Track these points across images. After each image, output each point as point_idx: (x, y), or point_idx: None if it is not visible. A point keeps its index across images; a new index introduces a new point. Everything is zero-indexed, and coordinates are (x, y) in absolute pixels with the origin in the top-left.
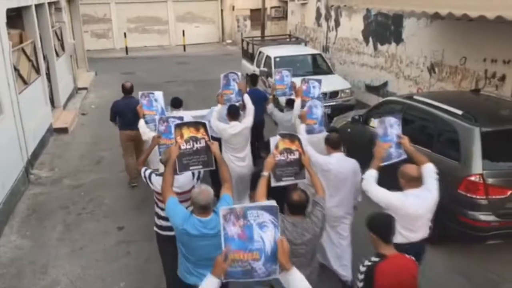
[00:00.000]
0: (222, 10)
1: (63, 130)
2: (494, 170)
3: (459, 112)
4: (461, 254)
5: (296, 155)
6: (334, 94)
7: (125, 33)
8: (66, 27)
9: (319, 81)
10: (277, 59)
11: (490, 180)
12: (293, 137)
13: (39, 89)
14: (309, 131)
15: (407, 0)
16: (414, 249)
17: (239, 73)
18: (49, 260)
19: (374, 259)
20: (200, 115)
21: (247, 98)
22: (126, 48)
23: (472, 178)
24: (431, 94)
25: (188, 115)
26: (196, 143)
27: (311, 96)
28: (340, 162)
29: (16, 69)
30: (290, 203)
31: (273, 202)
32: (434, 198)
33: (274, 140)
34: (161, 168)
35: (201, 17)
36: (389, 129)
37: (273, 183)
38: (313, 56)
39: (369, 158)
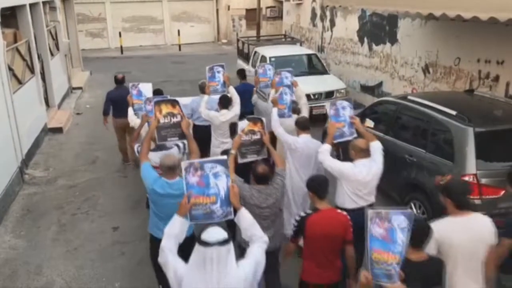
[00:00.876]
0: (217, 10)
1: (58, 130)
2: (487, 170)
3: (453, 112)
4: None
5: (258, 136)
6: (329, 94)
7: (120, 33)
8: (61, 27)
9: (291, 71)
10: (273, 59)
11: (483, 180)
12: (256, 119)
13: (33, 89)
14: (280, 115)
15: (402, 0)
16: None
17: (224, 66)
18: (44, 260)
19: (308, 211)
20: (183, 104)
21: (232, 89)
22: (121, 47)
23: (466, 178)
24: (425, 94)
25: None
26: (173, 118)
27: (284, 85)
28: (307, 143)
29: (10, 69)
30: (255, 174)
31: (224, 157)
32: (379, 168)
33: (242, 124)
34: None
35: (196, 16)
36: (341, 111)
37: (240, 160)
38: (308, 56)
39: None
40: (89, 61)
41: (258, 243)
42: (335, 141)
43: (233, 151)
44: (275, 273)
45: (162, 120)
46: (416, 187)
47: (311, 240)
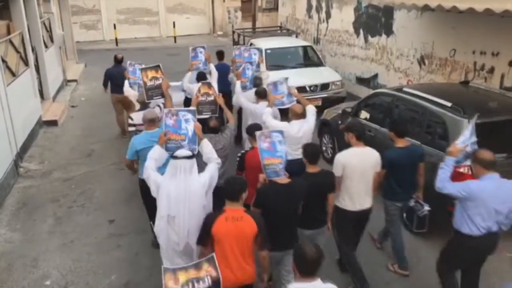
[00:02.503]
0: (213, 1)
1: (53, 123)
2: None
3: (448, 104)
4: None
5: (212, 97)
6: (325, 86)
7: (114, 25)
8: (55, 18)
9: (260, 49)
10: (268, 51)
11: None
12: (210, 84)
13: (27, 81)
14: (243, 87)
15: None
16: (297, 164)
17: (205, 46)
18: (40, 253)
19: (247, 149)
20: (175, 85)
21: (212, 66)
22: (116, 39)
23: (461, 170)
24: (420, 86)
25: None
26: (157, 81)
27: (251, 61)
28: (263, 108)
29: (3, 61)
30: (208, 126)
31: (193, 108)
32: (309, 126)
33: (195, 86)
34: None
35: (191, 8)
36: (279, 86)
37: (197, 115)
38: (304, 48)
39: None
40: (83, 54)
41: (213, 163)
42: (276, 107)
43: (192, 108)
44: (222, 206)
45: (149, 83)
46: None
47: (250, 169)
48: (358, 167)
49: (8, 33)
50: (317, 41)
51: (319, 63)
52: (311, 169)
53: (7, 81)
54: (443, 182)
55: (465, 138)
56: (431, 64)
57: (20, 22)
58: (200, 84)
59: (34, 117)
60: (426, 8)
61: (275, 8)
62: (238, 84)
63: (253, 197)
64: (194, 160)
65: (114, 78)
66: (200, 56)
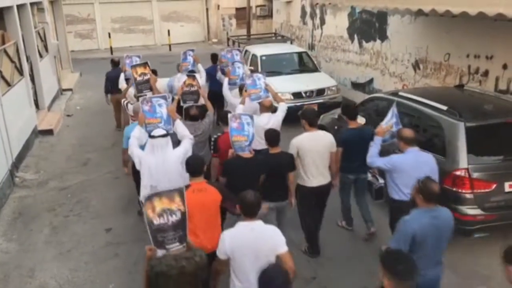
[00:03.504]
0: (207, 9)
1: (48, 132)
2: (479, 164)
3: (444, 107)
4: (448, 248)
5: (195, 88)
6: (320, 92)
7: (109, 33)
8: (49, 28)
9: (239, 50)
10: (263, 58)
11: (475, 174)
12: (194, 77)
13: (22, 91)
14: (232, 84)
15: None
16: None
17: (194, 49)
18: (36, 263)
19: (219, 134)
20: (162, 84)
21: (200, 66)
22: (111, 48)
23: (458, 173)
24: (416, 90)
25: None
26: (145, 76)
27: (235, 61)
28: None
29: None
30: (189, 114)
31: (165, 94)
32: (278, 119)
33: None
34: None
35: (186, 16)
36: (257, 81)
37: (181, 103)
38: (299, 54)
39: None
40: (78, 63)
41: (187, 139)
42: (252, 101)
43: (177, 96)
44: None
45: (138, 78)
46: None
47: (223, 152)
48: (311, 149)
49: (3, 43)
50: (312, 47)
51: (314, 69)
52: (272, 150)
53: (2, 91)
54: (373, 158)
55: (387, 119)
56: (426, 68)
57: (14, 32)
58: (185, 77)
59: (29, 126)
60: (419, 13)
61: (270, 15)
62: (226, 80)
63: None
64: (168, 138)
65: (114, 80)
66: (189, 58)
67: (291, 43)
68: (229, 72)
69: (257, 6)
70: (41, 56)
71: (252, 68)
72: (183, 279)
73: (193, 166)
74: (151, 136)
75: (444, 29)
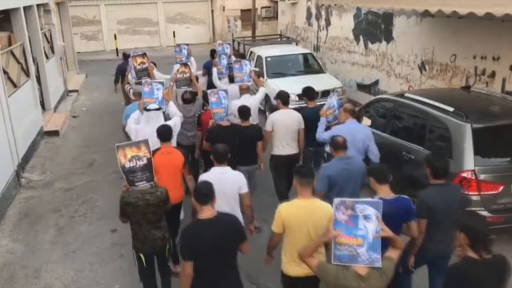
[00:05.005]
0: (212, 11)
1: (54, 133)
2: (485, 166)
3: (450, 109)
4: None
5: (187, 75)
6: (325, 93)
7: (115, 35)
8: (56, 29)
9: (229, 43)
10: (268, 59)
11: (482, 176)
12: (186, 65)
13: (29, 92)
14: (219, 73)
15: None
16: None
17: (188, 43)
18: (42, 264)
19: (202, 111)
20: (165, 78)
21: (192, 59)
22: (117, 49)
23: (464, 174)
24: (422, 91)
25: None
26: (144, 65)
27: (225, 53)
28: (232, 88)
29: (5, 72)
30: (183, 98)
31: (163, 81)
32: (256, 101)
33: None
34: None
35: (191, 17)
36: (244, 67)
37: (175, 87)
38: (304, 56)
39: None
40: (84, 64)
41: (176, 116)
42: (236, 84)
43: (171, 83)
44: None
45: (138, 67)
46: (413, 184)
47: (205, 123)
48: (284, 123)
49: (9, 44)
50: (317, 48)
51: (320, 70)
52: (243, 123)
53: (9, 92)
54: (319, 133)
55: (328, 105)
56: (432, 69)
57: (21, 33)
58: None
59: (35, 127)
60: (426, 14)
61: (275, 17)
62: (215, 70)
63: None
64: (161, 111)
65: (123, 72)
66: (184, 51)
67: (296, 44)
68: (217, 63)
69: (262, 8)
70: (47, 57)
71: (257, 69)
72: (148, 209)
73: (162, 133)
74: (146, 109)
75: (451, 30)
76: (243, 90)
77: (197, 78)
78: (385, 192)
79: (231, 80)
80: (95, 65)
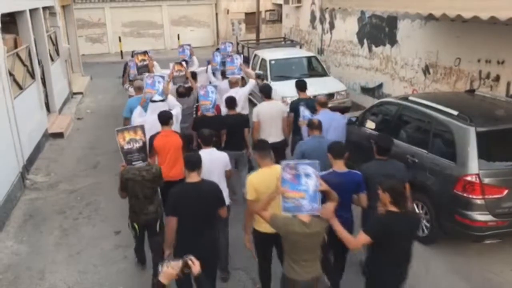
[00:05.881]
0: (216, 14)
1: (59, 135)
2: (490, 169)
3: (455, 112)
4: (458, 254)
5: (183, 73)
6: (329, 96)
7: (119, 37)
8: (61, 32)
9: (231, 42)
10: (272, 62)
11: (486, 180)
12: (181, 64)
13: (34, 94)
14: (213, 70)
15: (401, 1)
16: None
17: (190, 44)
18: (46, 265)
19: (197, 104)
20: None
21: (194, 58)
22: (121, 52)
23: (468, 178)
24: (426, 95)
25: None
26: (144, 62)
27: (226, 52)
28: (225, 84)
29: (11, 74)
30: (178, 92)
31: (164, 75)
32: (245, 92)
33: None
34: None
35: (196, 20)
36: (235, 60)
37: (171, 85)
38: (308, 59)
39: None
40: (89, 66)
41: (177, 107)
42: (226, 75)
43: (168, 80)
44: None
45: (139, 63)
46: (418, 187)
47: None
48: (267, 113)
49: (15, 46)
50: (321, 51)
51: (324, 73)
52: (230, 112)
53: (14, 94)
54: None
55: (302, 117)
56: (436, 73)
57: (27, 36)
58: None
59: (40, 129)
60: (430, 17)
61: (279, 20)
62: (209, 67)
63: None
64: (165, 103)
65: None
66: (186, 51)
67: (300, 47)
68: (211, 60)
69: (266, 11)
70: (52, 60)
71: (261, 72)
72: (144, 184)
73: (162, 117)
74: (152, 101)
75: (455, 34)
76: (233, 84)
77: (196, 75)
78: (339, 166)
79: (224, 75)
80: (99, 67)
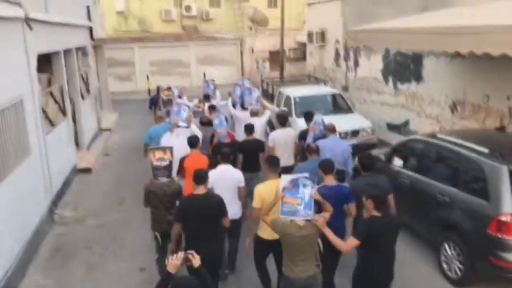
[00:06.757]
0: (241, 52)
1: (87, 170)
2: None
3: (486, 150)
4: None
5: (201, 109)
6: (355, 133)
7: (147, 76)
8: (92, 71)
9: (248, 78)
10: (297, 99)
11: None
12: (199, 101)
13: (64, 131)
14: (250, 104)
15: (426, 39)
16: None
17: (214, 80)
18: None
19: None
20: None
21: (217, 91)
22: (149, 90)
23: (503, 218)
24: (455, 132)
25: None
26: (169, 97)
27: (244, 86)
28: (242, 113)
29: (44, 111)
30: (201, 122)
31: (189, 104)
32: (261, 122)
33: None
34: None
35: (221, 59)
36: (253, 93)
37: (194, 118)
38: (333, 96)
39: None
40: (118, 103)
41: (198, 133)
42: (245, 106)
43: (191, 113)
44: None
45: (164, 98)
46: (449, 227)
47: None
48: (282, 139)
49: (49, 85)
50: (346, 88)
51: (348, 110)
52: (248, 137)
53: (46, 130)
54: (307, 142)
55: (314, 122)
56: (464, 110)
57: (60, 75)
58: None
59: (69, 165)
60: (456, 54)
61: (303, 58)
62: (230, 100)
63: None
64: (189, 129)
65: (155, 101)
66: (211, 86)
67: (325, 84)
68: (232, 93)
69: (290, 50)
70: (83, 98)
71: (285, 109)
72: (165, 198)
73: (191, 141)
74: (177, 126)
75: (482, 71)
76: (253, 114)
77: (215, 107)
78: (329, 180)
79: (242, 106)
80: (127, 104)
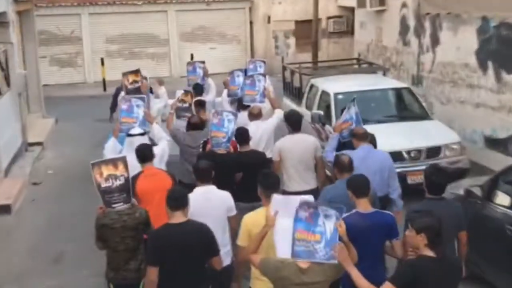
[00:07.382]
0: (251, 23)
1: (4, 209)
2: None
3: None
4: None
5: (187, 105)
6: (433, 152)
7: (102, 59)
8: (15, 51)
9: (264, 61)
10: (339, 97)
11: None
12: (187, 93)
13: None
14: (231, 95)
15: None
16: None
17: (204, 62)
18: None
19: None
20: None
21: (210, 80)
22: (104, 81)
23: None
24: None
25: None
26: (136, 84)
27: (256, 73)
28: (243, 118)
29: None
30: (190, 123)
31: (144, 96)
32: (269, 125)
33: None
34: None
35: (218, 33)
36: (257, 83)
37: (175, 118)
38: (397, 92)
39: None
40: (54, 103)
41: (163, 140)
42: (244, 103)
43: (171, 111)
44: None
45: (129, 87)
46: None
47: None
48: (293, 150)
49: None
50: (418, 80)
51: (423, 115)
52: (242, 149)
53: None
54: (327, 152)
55: (345, 118)
56: None
57: None
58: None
59: None
60: None
61: (349, 32)
62: (225, 92)
63: None
64: (146, 137)
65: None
66: (198, 71)
67: (384, 74)
68: (228, 82)
69: (328, 18)
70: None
71: (320, 112)
72: (126, 233)
73: (142, 152)
74: (129, 135)
75: None
76: (254, 116)
77: (204, 103)
78: (363, 206)
79: (240, 105)
80: (70, 104)
